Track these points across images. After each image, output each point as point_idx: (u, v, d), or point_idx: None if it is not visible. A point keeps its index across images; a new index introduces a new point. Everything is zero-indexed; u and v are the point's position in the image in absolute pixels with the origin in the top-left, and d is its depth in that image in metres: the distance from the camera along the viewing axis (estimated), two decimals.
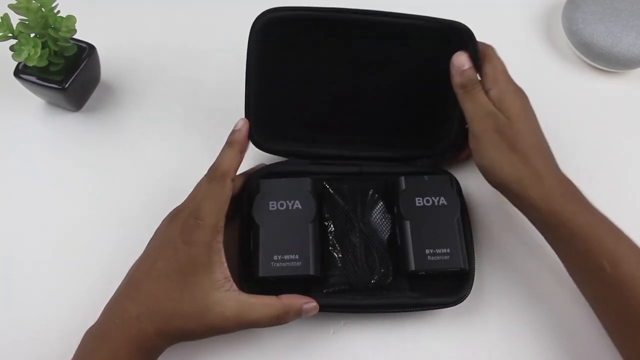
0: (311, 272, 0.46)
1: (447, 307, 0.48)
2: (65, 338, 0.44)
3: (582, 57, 0.63)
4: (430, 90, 0.53)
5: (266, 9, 0.49)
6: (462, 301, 0.48)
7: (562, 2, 0.65)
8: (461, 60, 0.48)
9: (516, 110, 0.47)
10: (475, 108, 0.48)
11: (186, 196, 0.48)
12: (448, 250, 0.47)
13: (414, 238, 0.47)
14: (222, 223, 0.45)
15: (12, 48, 0.51)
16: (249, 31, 0.55)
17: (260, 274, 0.46)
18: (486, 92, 0.48)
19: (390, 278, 0.49)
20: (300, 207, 0.49)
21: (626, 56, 0.60)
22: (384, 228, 0.50)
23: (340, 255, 0.49)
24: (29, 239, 0.53)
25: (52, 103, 0.59)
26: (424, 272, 0.47)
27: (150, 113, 0.60)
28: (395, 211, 0.50)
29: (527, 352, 0.49)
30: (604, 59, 0.61)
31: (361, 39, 0.51)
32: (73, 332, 0.44)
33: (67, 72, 0.54)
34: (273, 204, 0.49)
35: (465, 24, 0.50)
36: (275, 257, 0.47)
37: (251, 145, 0.54)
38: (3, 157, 0.57)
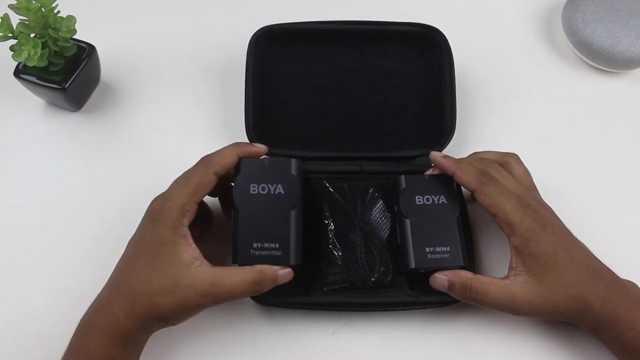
0: (291, 262, 0.44)
1: (447, 305, 0.48)
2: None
3: (582, 57, 0.63)
4: (420, 91, 0.56)
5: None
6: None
7: (562, 2, 0.65)
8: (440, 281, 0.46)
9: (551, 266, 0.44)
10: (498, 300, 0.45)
11: None
12: (448, 249, 0.46)
13: (414, 236, 0.47)
14: (189, 207, 0.43)
15: (12, 48, 0.51)
16: (248, 30, 0.55)
17: (239, 262, 0.44)
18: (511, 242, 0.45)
19: (390, 276, 0.49)
20: (282, 192, 0.45)
21: (626, 56, 0.60)
22: (383, 226, 0.50)
23: (340, 254, 0.49)
24: (29, 239, 0.53)
25: (52, 103, 0.59)
26: (424, 270, 0.47)
27: (150, 113, 0.60)
28: (396, 209, 0.50)
29: (527, 352, 0.49)
30: (604, 59, 0.61)
31: (350, 47, 0.56)
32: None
33: (67, 72, 0.54)
34: (254, 187, 0.45)
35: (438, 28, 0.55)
36: (254, 245, 0.44)
37: None
38: (3, 157, 0.57)
